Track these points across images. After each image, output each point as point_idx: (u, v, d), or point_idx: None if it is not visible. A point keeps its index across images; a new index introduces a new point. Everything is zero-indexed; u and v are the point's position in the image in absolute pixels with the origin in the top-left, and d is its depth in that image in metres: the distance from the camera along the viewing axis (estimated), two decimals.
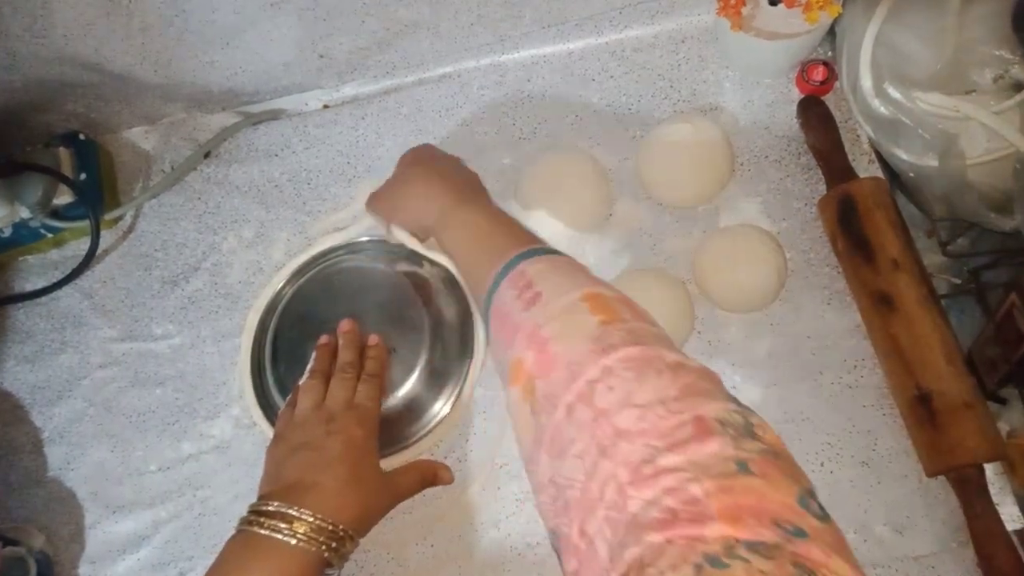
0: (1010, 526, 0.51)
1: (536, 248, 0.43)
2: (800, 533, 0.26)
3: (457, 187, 0.54)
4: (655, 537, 0.26)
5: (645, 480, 0.28)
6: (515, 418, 0.37)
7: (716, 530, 0.25)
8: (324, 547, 0.44)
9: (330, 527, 0.45)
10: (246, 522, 0.45)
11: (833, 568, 0.25)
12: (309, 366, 0.56)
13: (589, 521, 0.29)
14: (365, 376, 0.55)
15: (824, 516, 0.27)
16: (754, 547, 0.25)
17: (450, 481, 0.56)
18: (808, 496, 0.28)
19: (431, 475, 0.55)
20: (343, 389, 0.53)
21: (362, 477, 0.49)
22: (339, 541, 0.45)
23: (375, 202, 0.60)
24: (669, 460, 0.28)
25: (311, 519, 0.44)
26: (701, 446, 0.28)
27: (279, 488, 0.47)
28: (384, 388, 0.56)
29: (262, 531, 0.44)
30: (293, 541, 0.44)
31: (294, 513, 0.44)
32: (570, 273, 0.41)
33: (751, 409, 0.32)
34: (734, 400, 0.32)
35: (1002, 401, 0.59)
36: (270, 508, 0.45)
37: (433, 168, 0.56)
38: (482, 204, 0.52)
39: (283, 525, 0.44)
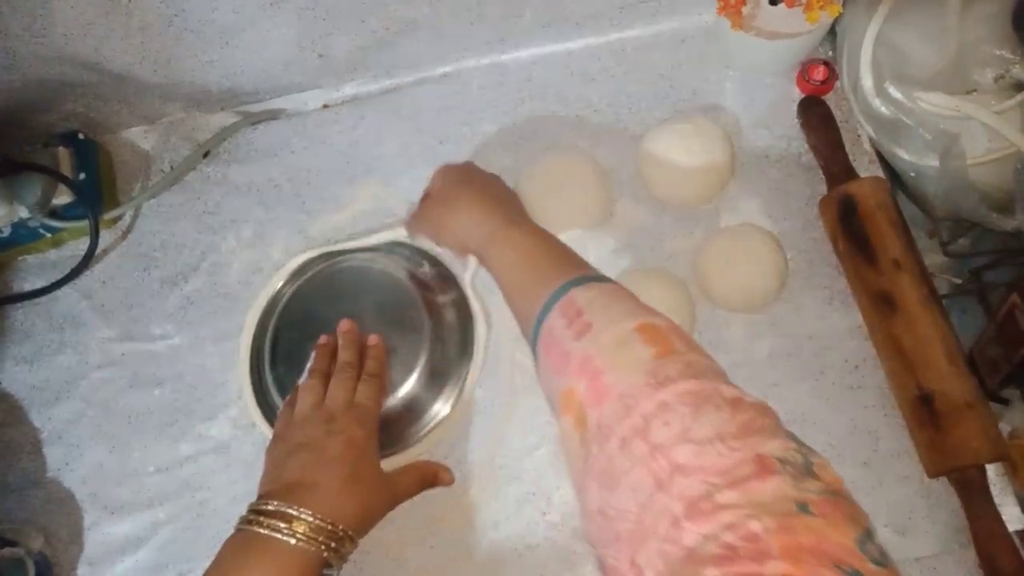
0: (1012, 527, 0.51)
1: (586, 275, 0.43)
2: None
3: (502, 208, 0.53)
4: (712, 572, 0.26)
5: (703, 515, 0.28)
6: (565, 446, 0.37)
7: (776, 568, 0.25)
8: (323, 547, 0.44)
9: (329, 527, 0.45)
10: (245, 521, 0.45)
11: None
12: (308, 366, 0.56)
13: (641, 552, 0.29)
14: (365, 376, 0.55)
15: (881, 560, 0.27)
16: None
17: (450, 482, 0.55)
18: (867, 538, 0.28)
19: (431, 476, 0.54)
20: (343, 389, 0.53)
21: (362, 477, 0.48)
22: (338, 541, 0.45)
23: (418, 224, 0.60)
24: (728, 497, 0.28)
25: (311, 519, 0.44)
26: (761, 484, 0.28)
27: (279, 487, 0.47)
28: (384, 388, 0.56)
29: (261, 530, 0.44)
30: (292, 541, 0.43)
31: (293, 512, 0.44)
32: (622, 302, 0.40)
33: (810, 447, 0.32)
34: (793, 437, 0.32)
35: (1004, 401, 0.59)
36: (269, 507, 0.45)
37: (477, 188, 0.56)
38: (528, 226, 0.51)
39: (282, 524, 0.44)
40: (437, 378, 0.59)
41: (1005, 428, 0.59)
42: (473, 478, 0.58)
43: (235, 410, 0.62)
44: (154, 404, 0.64)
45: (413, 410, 0.59)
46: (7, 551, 0.57)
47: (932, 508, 0.53)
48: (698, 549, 0.27)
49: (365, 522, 0.48)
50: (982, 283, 0.61)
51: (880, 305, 0.55)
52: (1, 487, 0.63)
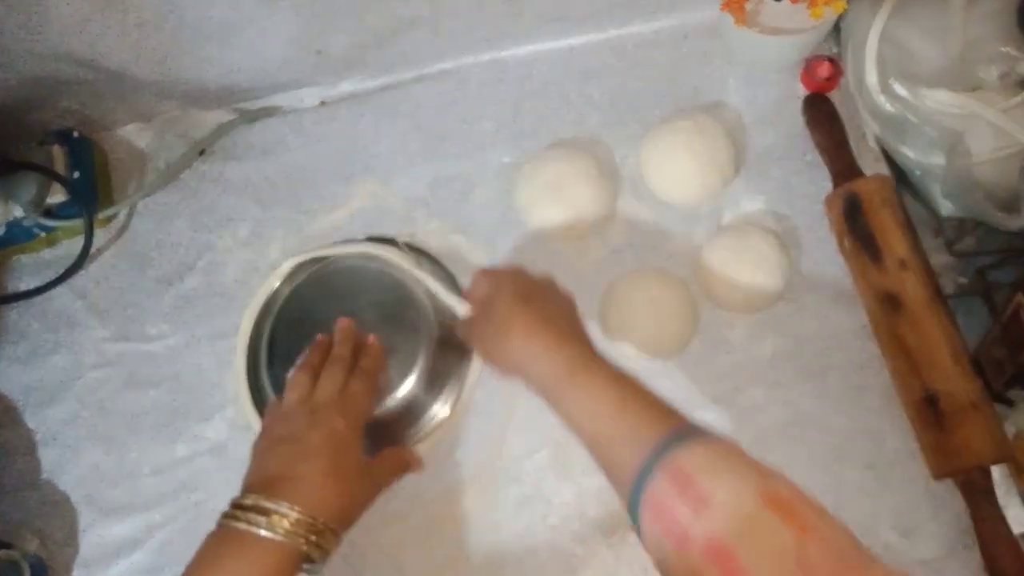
0: (1017, 529, 0.51)
1: (682, 429, 0.40)
2: None
3: (569, 343, 0.47)
4: None
5: None
6: None
7: None
8: (303, 540, 0.43)
9: (309, 520, 0.44)
10: (225, 516, 0.45)
11: None
12: (299, 360, 0.56)
13: None
14: (357, 371, 0.54)
15: None
16: None
17: (420, 468, 0.54)
18: None
19: (403, 463, 0.54)
20: (331, 382, 0.52)
21: (343, 468, 0.47)
22: (319, 535, 0.44)
23: (470, 338, 0.54)
24: None
25: (289, 512, 0.44)
26: None
27: (258, 481, 0.46)
28: (377, 386, 0.55)
29: (239, 525, 0.43)
30: (269, 534, 0.43)
31: (271, 506, 0.44)
32: (735, 465, 0.37)
33: None
34: None
35: (1009, 402, 0.59)
36: (247, 502, 0.44)
37: (537, 312, 0.49)
38: (604, 367, 0.46)
39: (260, 518, 0.43)
40: (436, 379, 0.59)
41: (1010, 429, 0.59)
42: (472, 480, 0.57)
43: (231, 411, 0.62)
44: (150, 405, 0.63)
45: (412, 411, 0.58)
46: (2, 553, 0.56)
47: (937, 510, 0.53)
48: None
49: (347, 514, 0.47)
50: (987, 283, 0.61)
51: (885, 305, 0.54)
52: None
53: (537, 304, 0.49)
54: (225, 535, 0.44)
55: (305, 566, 0.45)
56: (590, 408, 0.44)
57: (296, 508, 0.44)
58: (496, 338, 0.50)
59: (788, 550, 0.32)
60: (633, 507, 0.39)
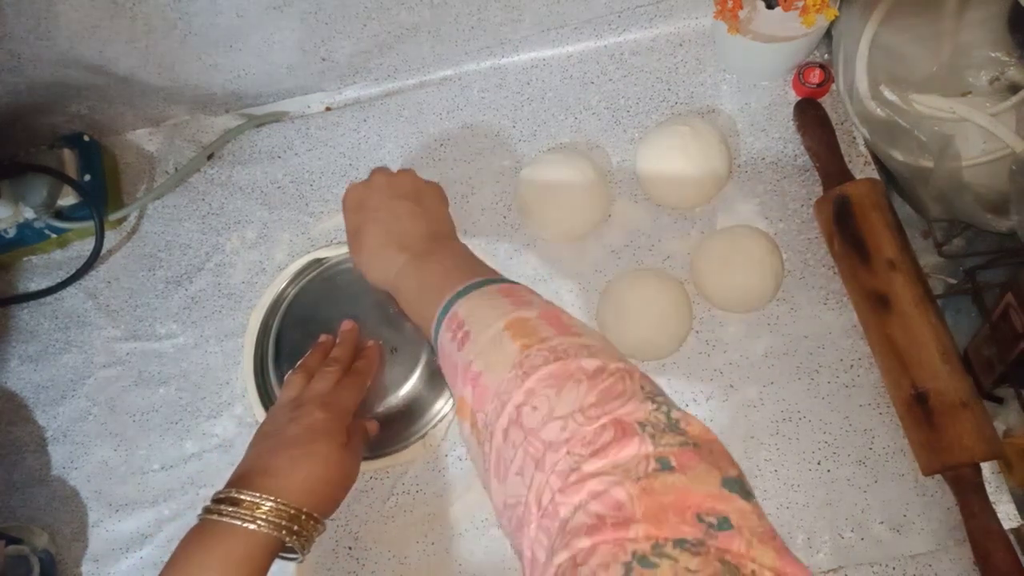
0: (1007, 524, 0.52)
1: (469, 284, 0.44)
2: (724, 524, 0.26)
3: (411, 238, 0.52)
4: (584, 542, 0.27)
5: (572, 487, 0.29)
6: (469, 451, 0.39)
7: (639, 531, 0.26)
8: (278, 529, 0.44)
9: (284, 508, 0.44)
10: (202, 510, 0.46)
11: (756, 558, 0.25)
12: (300, 361, 0.57)
13: (529, 532, 0.30)
14: (351, 371, 0.55)
15: (752, 493, 0.28)
16: (681, 544, 0.25)
17: (375, 431, 0.56)
18: (733, 481, 0.28)
19: (365, 431, 0.55)
20: (323, 382, 0.53)
21: (318, 455, 0.48)
22: (298, 523, 0.45)
23: (351, 255, 0.56)
24: (593, 465, 0.29)
25: (263, 502, 0.44)
26: (621, 448, 0.29)
27: (236, 476, 0.47)
28: (365, 385, 0.55)
29: (211, 516, 0.44)
30: (241, 523, 0.43)
31: (244, 497, 0.44)
32: (494, 304, 0.41)
33: (673, 403, 0.33)
34: (655, 396, 0.33)
35: (998, 400, 0.60)
36: (221, 495, 0.45)
37: (382, 217, 0.53)
38: (436, 251, 0.51)
39: (231, 509, 0.44)
40: (438, 377, 0.60)
41: (1000, 427, 0.59)
42: (474, 475, 0.58)
43: (239, 408, 0.63)
44: (159, 402, 0.64)
45: (414, 409, 0.60)
46: (12, 548, 0.57)
47: (927, 506, 0.53)
48: (570, 520, 0.28)
49: (326, 501, 0.48)
50: (977, 283, 0.62)
51: (875, 305, 0.55)
52: (7, 485, 0.63)
53: (381, 210, 0.53)
54: (200, 528, 0.45)
55: (287, 555, 0.46)
56: (413, 290, 0.48)
57: (270, 498, 0.44)
58: (355, 254, 0.54)
59: (512, 357, 0.36)
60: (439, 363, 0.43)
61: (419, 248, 0.51)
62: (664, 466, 0.28)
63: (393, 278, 0.50)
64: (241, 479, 0.47)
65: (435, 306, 0.44)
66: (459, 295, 0.43)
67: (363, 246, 0.53)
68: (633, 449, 0.29)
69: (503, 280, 0.45)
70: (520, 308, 0.40)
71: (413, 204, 0.54)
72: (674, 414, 0.31)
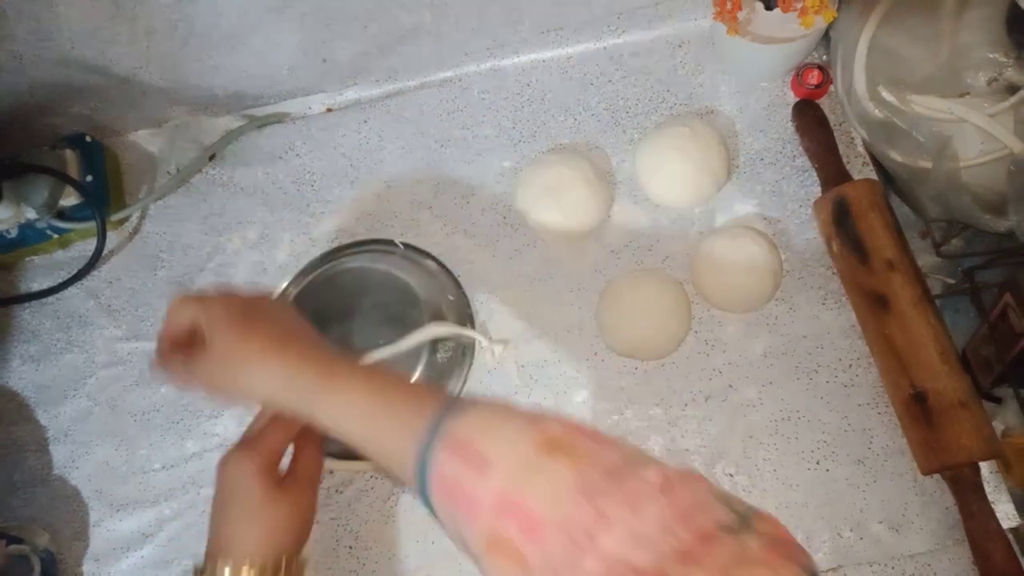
0: (1005, 524, 0.52)
1: (449, 402, 0.39)
2: None
3: (306, 352, 0.43)
4: None
5: None
6: None
7: None
8: None
9: (263, 565, 0.42)
10: None
11: None
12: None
13: None
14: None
15: None
16: None
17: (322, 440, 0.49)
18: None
19: (312, 458, 0.48)
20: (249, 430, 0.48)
21: (265, 502, 0.44)
22: (282, 570, 0.43)
23: (193, 378, 0.45)
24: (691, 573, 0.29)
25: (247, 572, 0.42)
26: (708, 555, 0.29)
27: (209, 550, 0.45)
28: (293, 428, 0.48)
29: None
30: None
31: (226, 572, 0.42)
32: (507, 419, 0.37)
33: (743, 501, 0.32)
34: (725, 497, 0.32)
35: (997, 400, 0.60)
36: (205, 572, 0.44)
37: (266, 332, 0.44)
38: (348, 367, 0.43)
39: None
40: (438, 377, 0.60)
41: (998, 426, 0.60)
42: None
43: (240, 408, 0.63)
44: (160, 402, 0.64)
45: None
46: (13, 548, 0.57)
47: (926, 505, 0.54)
48: None
49: (291, 538, 0.44)
50: (975, 283, 0.62)
51: (873, 305, 0.55)
52: (8, 485, 0.63)
53: (261, 323, 0.44)
54: None
55: None
56: (355, 410, 0.41)
57: (245, 564, 0.42)
58: (225, 370, 0.43)
59: (568, 483, 0.33)
60: (424, 494, 0.37)
61: (327, 357, 0.43)
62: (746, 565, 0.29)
63: (305, 393, 0.42)
64: (213, 552, 0.44)
65: (409, 426, 0.38)
66: (447, 412, 0.37)
67: (246, 359, 0.43)
68: (720, 553, 0.29)
69: (481, 400, 0.40)
70: (536, 422, 0.36)
71: (290, 314, 0.47)
72: (748, 512, 0.31)
